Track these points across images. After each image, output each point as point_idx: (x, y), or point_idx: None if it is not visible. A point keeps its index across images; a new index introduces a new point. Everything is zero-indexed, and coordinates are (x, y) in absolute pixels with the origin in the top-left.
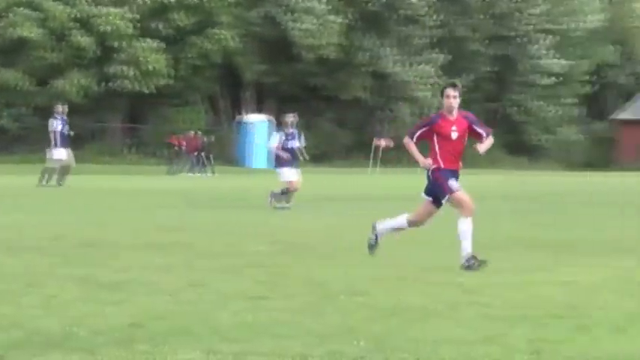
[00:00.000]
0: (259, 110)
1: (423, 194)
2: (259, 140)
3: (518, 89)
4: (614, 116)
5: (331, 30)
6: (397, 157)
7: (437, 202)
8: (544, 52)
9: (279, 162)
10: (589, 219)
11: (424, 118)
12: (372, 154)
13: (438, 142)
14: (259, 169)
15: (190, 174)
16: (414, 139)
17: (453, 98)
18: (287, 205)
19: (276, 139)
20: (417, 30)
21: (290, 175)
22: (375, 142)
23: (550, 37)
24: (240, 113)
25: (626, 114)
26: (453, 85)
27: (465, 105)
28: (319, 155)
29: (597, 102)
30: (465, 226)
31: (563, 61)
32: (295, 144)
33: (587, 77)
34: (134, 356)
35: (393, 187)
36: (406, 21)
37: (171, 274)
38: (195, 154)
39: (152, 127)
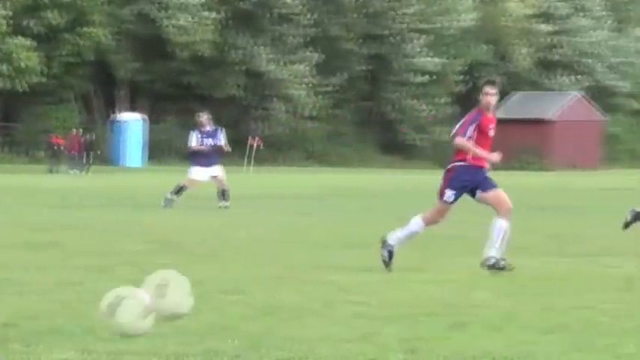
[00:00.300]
0: (133, 109)
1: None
2: (133, 139)
3: (392, 88)
4: None
5: (205, 27)
6: (272, 156)
7: (473, 193)
8: (418, 50)
9: (195, 160)
10: (466, 217)
11: (467, 117)
12: (247, 153)
13: (475, 138)
14: (134, 167)
15: (71, 172)
16: (467, 138)
17: (492, 95)
18: (177, 199)
19: (194, 137)
20: (291, 29)
21: (199, 175)
22: (250, 140)
23: (424, 36)
24: (114, 112)
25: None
26: (492, 83)
27: (339, 104)
28: None
29: (470, 101)
30: (416, 226)
31: (436, 60)
32: (212, 142)
33: (460, 76)
34: (8, 356)
35: (268, 186)
36: (280, 20)
37: (44, 273)
38: (77, 152)
39: (25, 125)
